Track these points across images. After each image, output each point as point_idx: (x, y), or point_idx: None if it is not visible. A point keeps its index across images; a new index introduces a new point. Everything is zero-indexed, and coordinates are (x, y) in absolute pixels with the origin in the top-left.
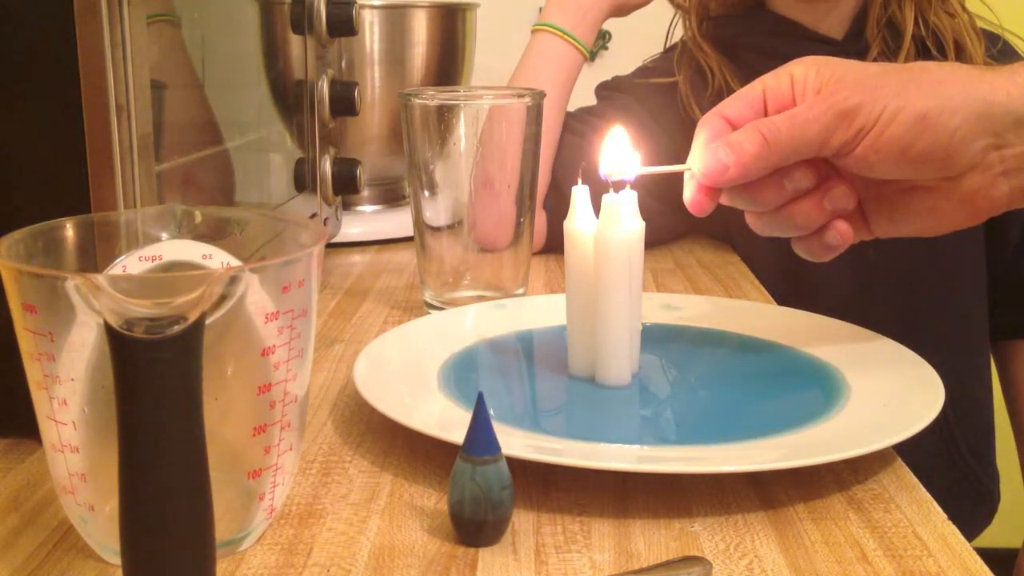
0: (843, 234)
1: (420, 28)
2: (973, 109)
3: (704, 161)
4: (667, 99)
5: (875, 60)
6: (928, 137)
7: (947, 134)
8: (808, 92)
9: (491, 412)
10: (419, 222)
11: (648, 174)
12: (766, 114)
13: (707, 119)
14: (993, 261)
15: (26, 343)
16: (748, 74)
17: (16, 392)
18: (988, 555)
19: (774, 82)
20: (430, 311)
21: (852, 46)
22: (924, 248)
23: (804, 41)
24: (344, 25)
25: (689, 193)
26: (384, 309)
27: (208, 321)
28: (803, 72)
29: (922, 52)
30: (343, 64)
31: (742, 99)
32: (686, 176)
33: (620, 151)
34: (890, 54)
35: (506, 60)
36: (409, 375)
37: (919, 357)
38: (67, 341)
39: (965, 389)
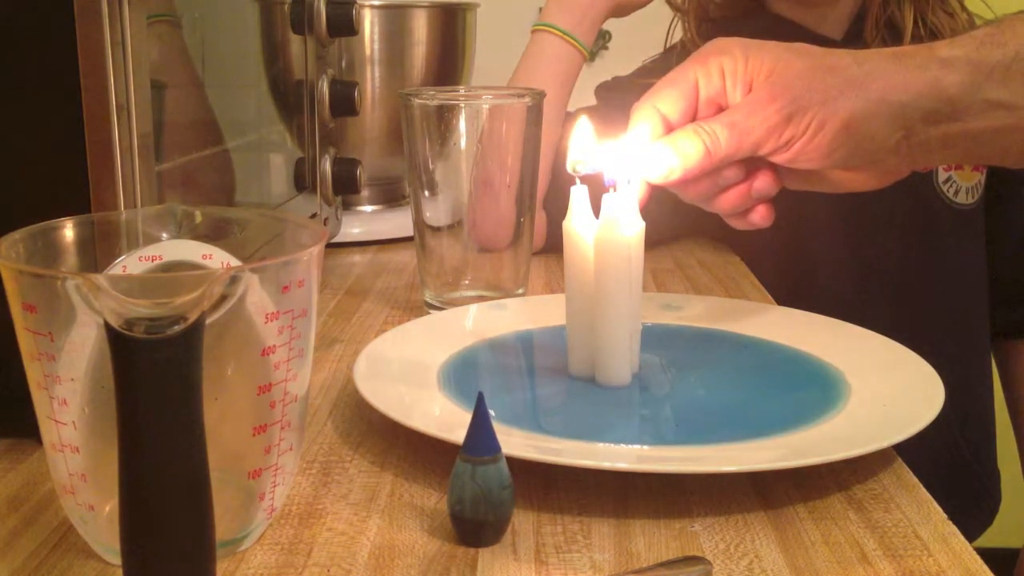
0: (764, 217)
1: (420, 28)
2: (889, 112)
3: (652, 163)
4: None
5: None
6: (851, 142)
7: (867, 137)
8: (739, 85)
9: (491, 412)
10: (419, 222)
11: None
12: (697, 103)
13: (642, 113)
14: (993, 260)
15: (26, 343)
16: None
17: (16, 392)
18: (989, 555)
19: (705, 73)
20: (430, 311)
21: (852, 46)
22: (924, 248)
23: (803, 42)
24: (344, 25)
25: (640, 193)
26: (384, 309)
27: (208, 321)
28: (732, 64)
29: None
30: (343, 64)
31: (676, 91)
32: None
33: (587, 143)
34: None
35: (506, 60)
36: (409, 375)
37: (919, 357)
38: (67, 341)
39: (965, 389)
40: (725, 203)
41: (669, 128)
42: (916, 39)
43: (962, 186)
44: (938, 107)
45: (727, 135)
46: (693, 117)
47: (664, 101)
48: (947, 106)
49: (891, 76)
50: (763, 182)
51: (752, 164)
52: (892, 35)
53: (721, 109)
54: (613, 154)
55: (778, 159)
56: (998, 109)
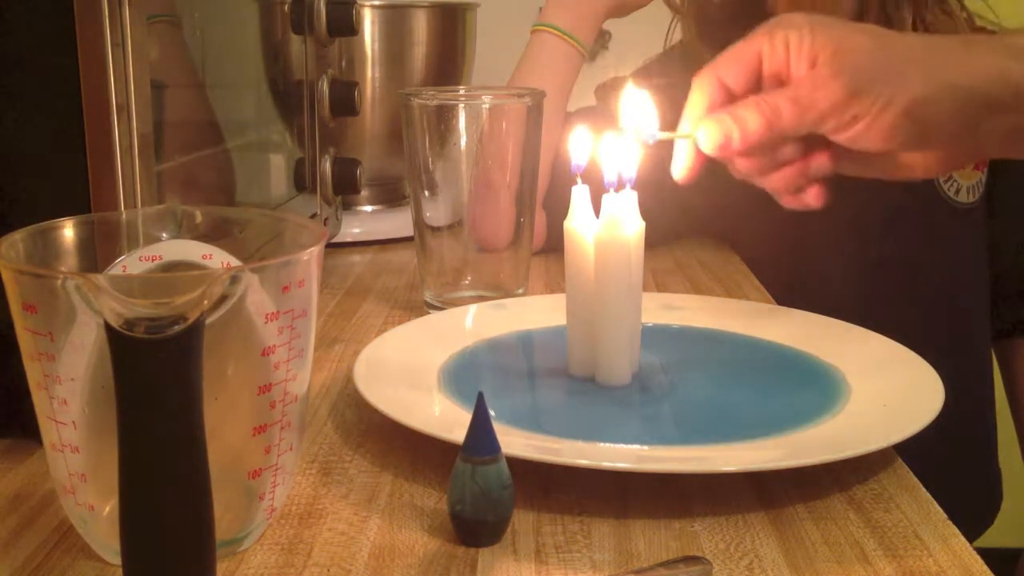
0: (818, 197)
1: (420, 28)
2: (953, 96)
3: (709, 132)
4: (667, 100)
5: None
6: (913, 127)
7: (930, 123)
8: (803, 59)
9: (491, 412)
10: (419, 222)
11: (644, 177)
12: (760, 75)
13: (704, 81)
14: (995, 258)
15: (26, 343)
16: None
17: (16, 392)
18: (991, 555)
19: (769, 47)
20: (430, 311)
21: None
22: (925, 247)
23: None
24: (344, 25)
25: (685, 160)
26: (384, 309)
27: (208, 321)
28: (798, 38)
29: None
30: (343, 64)
31: (739, 63)
32: (679, 142)
33: (639, 112)
34: None
35: (506, 60)
36: (409, 375)
37: (919, 357)
38: (67, 341)
39: (967, 388)
40: (779, 180)
41: (730, 98)
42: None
43: (963, 185)
44: (1003, 95)
45: (789, 108)
46: (755, 89)
47: (727, 71)
48: (1013, 96)
49: (958, 60)
50: (821, 161)
51: (810, 143)
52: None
53: (783, 84)
54: (613, 151)
55: (839, 138)
56: None
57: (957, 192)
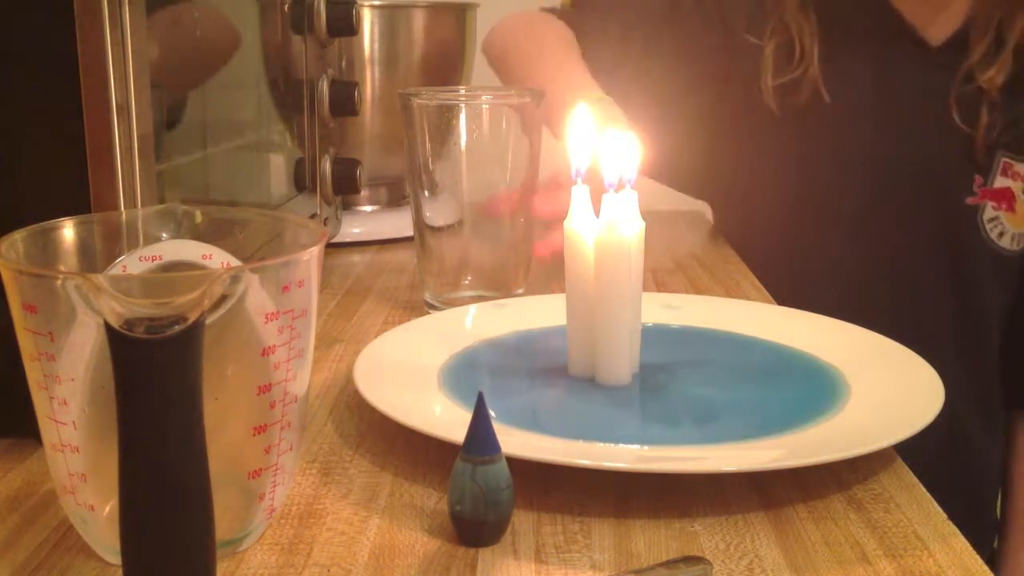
0: None
1: (420, 28)
2: None
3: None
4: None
5: (971, 69)
6: None
7: None
8: None
9: (491, 412)
10: (419, 222)
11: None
12: None
13: None
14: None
15: (26, 343)
16: (832, 52)
17: (16, 392)
18: None
19: None
20: (430, 311)
21: (951, 54)
22: (935, 246)
23: (900, 40)
24: (344, 25)
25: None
26: (384, 309)
27: (208, 321)
28: None
29: (1019, 62)
30: (343, 64)
31: None
32: None
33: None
34: (986, 63)
35: None
36: (409, 375)
37: (919, 357)
38: (67, 341)
39: (985, 392)
40: None
41: None
42: (1018, 48)
43: (1008, 229)
44: None
45: None
46: None
47: None
48: None
49: None
50: None
51: None
52: (995, 44)
53: None
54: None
55: None
56: None
57: (1000, 236)
